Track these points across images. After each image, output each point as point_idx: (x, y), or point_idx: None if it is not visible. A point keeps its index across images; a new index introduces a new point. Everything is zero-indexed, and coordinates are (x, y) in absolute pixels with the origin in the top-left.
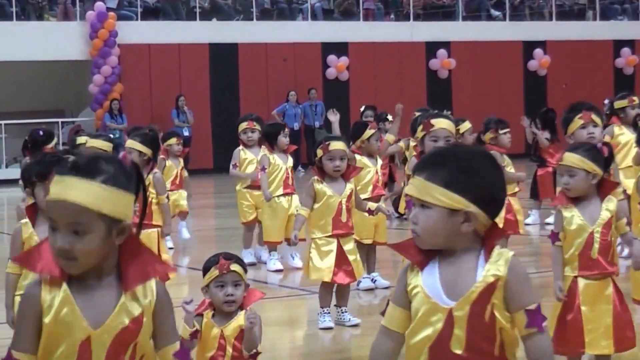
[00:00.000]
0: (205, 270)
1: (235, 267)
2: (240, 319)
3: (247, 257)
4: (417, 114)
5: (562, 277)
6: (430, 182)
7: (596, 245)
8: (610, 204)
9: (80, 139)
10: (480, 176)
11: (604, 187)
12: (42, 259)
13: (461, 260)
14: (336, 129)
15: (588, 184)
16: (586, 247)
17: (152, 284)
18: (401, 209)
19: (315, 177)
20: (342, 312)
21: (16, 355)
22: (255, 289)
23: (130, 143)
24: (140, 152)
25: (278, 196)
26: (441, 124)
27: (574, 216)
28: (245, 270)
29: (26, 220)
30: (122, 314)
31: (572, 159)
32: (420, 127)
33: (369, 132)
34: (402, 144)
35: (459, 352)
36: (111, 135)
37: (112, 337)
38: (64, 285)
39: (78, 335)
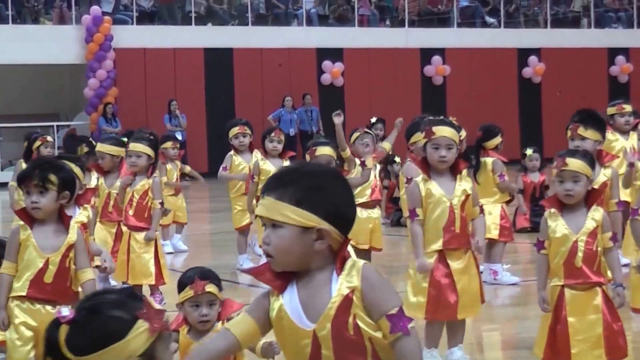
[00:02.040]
0: (181, 286)
1: (210, 287)
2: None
3: (246, 262)
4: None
5: (545, 286)
6: (280, 201)
7: (580, 254)
8: (596, 214)
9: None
10: (330, 194)
11: (591, 196)
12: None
13: (316, 279)
14: (340, 131)
15: (585, 191)
16: (570, 255)
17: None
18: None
19: None
20: None
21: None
22: (231, 300)
23: (138, 147)
24: (148, 155)
25: None
26: (442, 131)
27: (559, 225)
28: (221, 289)
29: (23, 222)
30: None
31: (577, 164)
32: (423, 134)
33: (354, 135)
34: (386, 145)
35: None
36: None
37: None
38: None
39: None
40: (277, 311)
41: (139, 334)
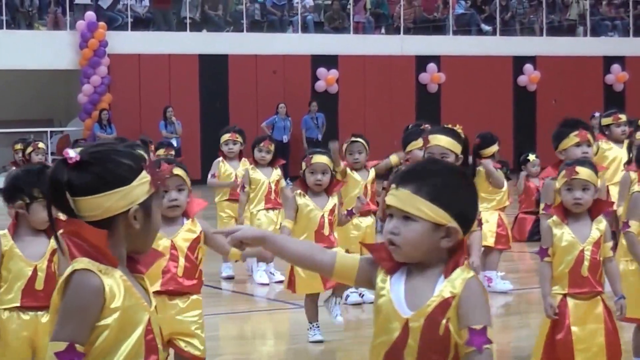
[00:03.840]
0: None
1: (178, 170)
2: (188, 227)
3: (226, 270)
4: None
5: (550, 292)
6: (417, 195)
7: (586, 263)
8: (600, 225)
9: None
10: (462, 193)
11: (596, 206)
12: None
13: (426, 273)
14: (335, 153)
15: (592, 200)
16: (576, 264)
17: None
18: None
19: (298, 191)
20: (335, 304)
21: (79, 349)
22: (197, 198)
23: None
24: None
25: (259, 211)
26: (437, 140)
27: (565, 233)
28: (188, 174)
29: (5, 232)
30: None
31: (587, 173)
32: (422, 142)
33: (344, 145)
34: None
35: None
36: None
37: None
38: (119, 272)
39: (144, 317)
40: (381, 289)
41: (143, 184)
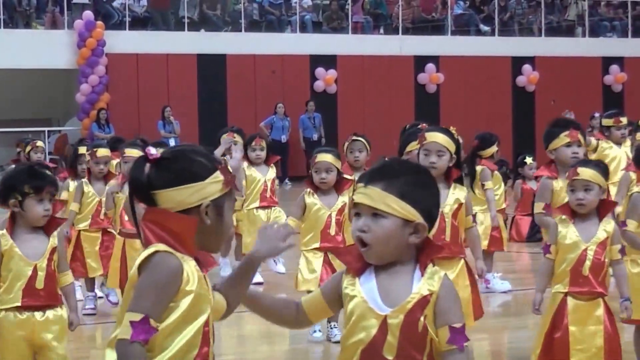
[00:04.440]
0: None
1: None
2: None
3: (224, 267)
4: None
5: (545, 289)
6: (387, 192)
7: (588, 263)
8: (608, 226)
9: (81, 149)
10: (428, 191)
11: (604, 206)
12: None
13: (398, 271)
14: None
15: (598, 200)
16: (578, 263)
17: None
18: None
19: (308, 190)
20: (332, 327)
21: (154, 324)
22: None
23: (134, 152)
24: None
25: (256, 208)
26: (434, 137)
27: (570, 231)
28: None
29: (3, 231)
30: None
31: (589, 173)
32: (418, 140)
33: (344, 144)
34: None
35: (390, 358)
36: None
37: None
38: (194, 262)
39: (208, 309)
40: (351, 291)
41: (216, 182)
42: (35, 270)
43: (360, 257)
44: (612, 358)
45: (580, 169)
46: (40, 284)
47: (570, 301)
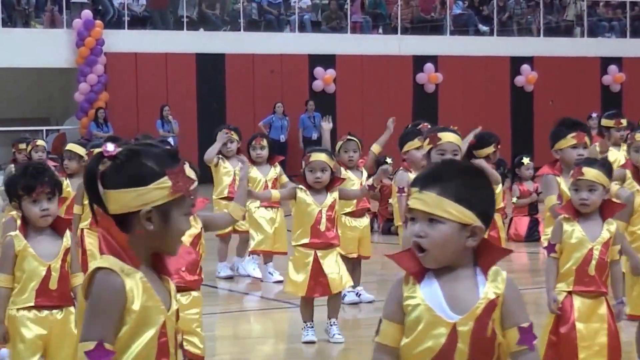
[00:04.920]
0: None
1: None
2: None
3: (224, 270)
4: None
5: (554, 288)
6: (443, 197)
7: (594, 262)
8: (611, 226)
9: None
10: (484, 192)
11: (607, 207)
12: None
13: (460, 276)
14: (326, 138)
15: (601, 200)
16: (584, 262)
17: None
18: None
19: (300, 185)
20: (330, 325)
21: (109, 347)
22: (199, 197)
23: None
24: None
25: (257, 208)
26: (448, 137)
27: (575, 230)
28: (197, 173)
29: (17, 232)
30: (174, 298)
31: (593, 173)
32: (427, 141)
33: (338, 144)
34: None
35: None
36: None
37: (175, 318)
38: (140, 274)
39: (159, 320)
40: (413, 300)
41: (161, 188)
42: (49, 271)
43: (418, 261)
44: (614, 355)
45: (585, 169)
46: (53, 284)
47: (576, 298)
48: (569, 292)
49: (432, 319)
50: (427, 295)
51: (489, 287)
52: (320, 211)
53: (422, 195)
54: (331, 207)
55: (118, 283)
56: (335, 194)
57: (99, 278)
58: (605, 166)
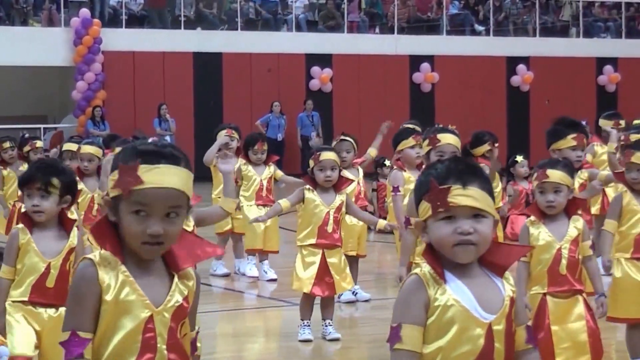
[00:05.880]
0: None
1: None
2: None
3: (219, 268)
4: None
5: (526, 293)
6: (485, 192)
7: (564, 262)
8: (577, 223)
9: (69, 146)
10: (492, 188)
11: (571, 205)
12: (109, 238)
13: (479, 274)
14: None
15: (566, 201)
16: (554, 263)
17: (191, 269)
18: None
19: (307, 186)
20: (326, 325)
21: (83, 335)
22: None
23: None
24: None
25: (251, 206)
26: (447, 139)
27: (541, 232)
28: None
29: (22, 225)
30: (176, 294)
31: (558, 175)
32: (426, 142)
33: (333, 144)
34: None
35: None
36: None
37: (171, 314)
38: (123, 267)
39: (142, 314)
40: (446, 300)
41: (111, 180)
42: (48, 268)
43: (439, 261)
44: (595, 351)
45: (549, 171)
46: (51, 282)
47: (550, 301)
48: (544, 294)
49: (468, 320)
50: (459, 296)
51: (506, 285)
52: (328, 212)
53: (467, 192)
54: (338, 209)
55: (90, 272)
56: (344, 196)
57: (77, 269)
58: (568, 167)
